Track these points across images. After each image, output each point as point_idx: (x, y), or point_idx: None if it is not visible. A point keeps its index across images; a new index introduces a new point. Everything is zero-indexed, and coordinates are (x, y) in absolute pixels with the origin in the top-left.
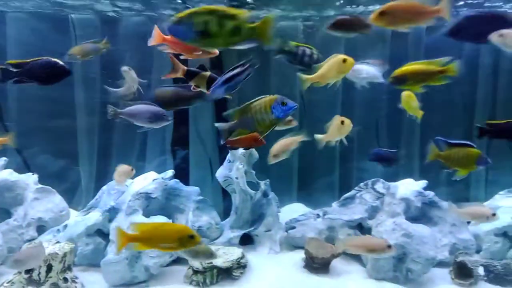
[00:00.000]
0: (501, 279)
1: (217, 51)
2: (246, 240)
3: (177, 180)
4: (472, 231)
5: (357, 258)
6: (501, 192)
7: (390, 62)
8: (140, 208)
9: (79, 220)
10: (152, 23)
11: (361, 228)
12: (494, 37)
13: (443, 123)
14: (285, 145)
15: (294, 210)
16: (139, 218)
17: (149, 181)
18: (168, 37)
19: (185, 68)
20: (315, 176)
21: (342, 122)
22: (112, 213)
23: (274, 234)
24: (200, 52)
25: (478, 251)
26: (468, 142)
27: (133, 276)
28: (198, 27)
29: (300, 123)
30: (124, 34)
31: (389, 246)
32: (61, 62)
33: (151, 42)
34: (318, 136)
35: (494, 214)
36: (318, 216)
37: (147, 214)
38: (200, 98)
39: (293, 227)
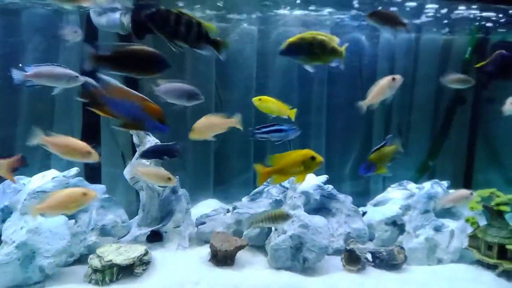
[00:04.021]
0: (386, 264)
1: None
2: (156, 237)
3: (81, 178)
4: (366, 221)
5: (262, 250)
6: (392, 185)
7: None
8: None
9: None
10: (58, 16)
11: None
12: None
13: (344, 123)
14: (211, 123)
15: (208, 205)
16: (35, 217)
17: (47, 179)
18: None
19: None
20: (231, 172)
21: (393, 79)
22: (5, 212)
23: (183, 230)
24: None
25: (371, 239)
26: None
27: (26, 277)
28: None
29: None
30: (26, 27)
31: None
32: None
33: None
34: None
35: (471, 193)
36: (228, 211)
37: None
38: None
39: (203, 223)
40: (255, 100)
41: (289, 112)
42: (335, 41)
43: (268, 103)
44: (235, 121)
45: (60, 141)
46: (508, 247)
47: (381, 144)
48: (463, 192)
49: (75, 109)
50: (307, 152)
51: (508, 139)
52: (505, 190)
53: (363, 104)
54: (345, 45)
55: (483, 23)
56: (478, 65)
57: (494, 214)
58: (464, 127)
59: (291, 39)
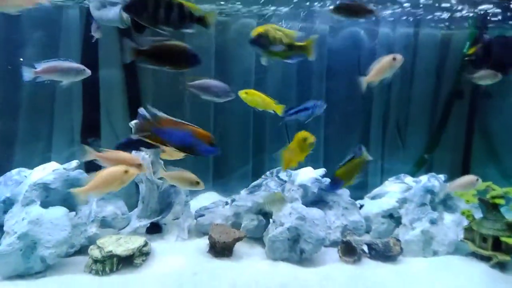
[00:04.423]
0: (382, 255)
1: None
2: (155, 229)
3: (81, 170)
4: (363, 214)
5: (260, 241)
6: (390, 179)
7: None
8: (37, 199)
9: None
10: (59, 11)
11: (265, 213)
12: None
13: (343, 117)
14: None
15: (207, 198)
16: (36, 209)
17: (48, 171)
18: None
19: None
20: (230, 166)
21: (394, 59)
22: (7, 204)
23: (182, 222)
24: None
25: (368, 232)
26: None
27: (28, 267)
28: None
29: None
30: (25, 22)
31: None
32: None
33: None
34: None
35: (478, 179)
36: (226, 203)
37: (46, 205)
38: None
39: (202, 215)
40: (241, 93)
41: (275, 107)
42: (293, 37)
43: (255, 97)
44: None
45: (112, 156)
46: (503, 239)
47: (350, 157)
48: (470, 177)
49: (75, 103)
50: (299, 134)
51: (505, 134)
52: (501, 183)
53: (364, 81)
54: (312, 37)
55: (488, 17)
56: (468, 51)
57: (490, 207)
58: (461, 121)
59: (259, 29)
